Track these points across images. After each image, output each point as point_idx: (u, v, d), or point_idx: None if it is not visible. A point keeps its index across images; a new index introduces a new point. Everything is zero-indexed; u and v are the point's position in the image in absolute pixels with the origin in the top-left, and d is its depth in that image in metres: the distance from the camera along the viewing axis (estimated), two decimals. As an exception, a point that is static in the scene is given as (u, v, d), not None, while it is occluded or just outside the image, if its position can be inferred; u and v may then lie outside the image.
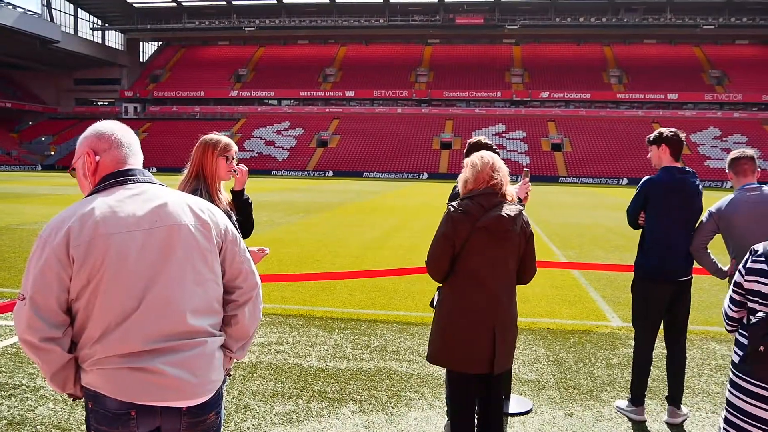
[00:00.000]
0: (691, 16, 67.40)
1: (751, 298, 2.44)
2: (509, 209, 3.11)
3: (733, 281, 2.56)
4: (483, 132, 65.08)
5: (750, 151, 4.31)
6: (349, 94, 72.35)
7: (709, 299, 7.99)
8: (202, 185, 3.16)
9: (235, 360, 2.16)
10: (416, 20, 72.23)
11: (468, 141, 4.45)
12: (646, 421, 4.27)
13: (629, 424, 4.24)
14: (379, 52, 77.62)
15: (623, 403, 4.45)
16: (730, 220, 4.07)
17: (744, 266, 2.49)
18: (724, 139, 61.57)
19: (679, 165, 4.27)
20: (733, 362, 2.52)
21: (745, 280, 2.46)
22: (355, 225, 16.47)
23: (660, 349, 5.10)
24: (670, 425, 4.24)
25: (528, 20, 69.92)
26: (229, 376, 2.61)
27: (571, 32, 73.31)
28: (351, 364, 5.28)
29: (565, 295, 8.26)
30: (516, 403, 4.48)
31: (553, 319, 6.98)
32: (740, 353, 2.45)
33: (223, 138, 3.29)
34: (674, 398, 4.30)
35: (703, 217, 4.23)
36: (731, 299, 2.55)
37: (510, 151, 62.17)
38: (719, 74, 70.14)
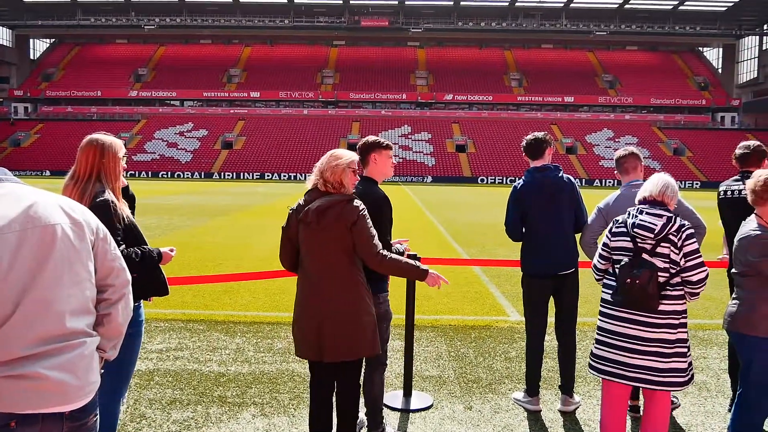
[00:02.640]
0: (585, 22, 70.67)
1: (616, 253, 3.45)
2: (323, 201, 3.21)
3: (602, 243, 3.57)
4: (389, 134, 65.68)
5: (634, 150, 4.55)
6: (255, 95, 71.23)
7: (599, 292, 8.37)
8: (106, 188, 3.02)
9: (106, 360, 2.09)
10: (321, 22, 72.04)
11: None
12: (540, 410, 4.43)
13: (525, 414, 4.39)
14: (284, 53, 76.87)
15: (520, 394, 4.61)
16: (616, 215, 4.28)
17: (610, 231, 3.51)
18: (617, 140, 64.91)
19: (540, 164, 4.45)
20: (602, 299, 3.51)
21: (612, 241, 3.47)
22: (260, 227, 16.24)
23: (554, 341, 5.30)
24: (563, 413, 4.42)
25: (432, 24, 71.18)
26: None
27: (473, 36, 75.24)
28: (253, 367, 5.19)
29: (467, 292, 8.47)
30: (417, 399, 4.54)
31: (455, 316, 7.14)
32: (609, 291, 3.46)
33: (116, 139, 3.18)
34: (567, 387, 4.49)
35: (592, 213, 4.44)
36: (600, 256, 3.55)
37: (416, 152, 63.14)
38: (611, 78, 73.92)
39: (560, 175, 4.42)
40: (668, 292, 3.31)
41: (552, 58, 76.74)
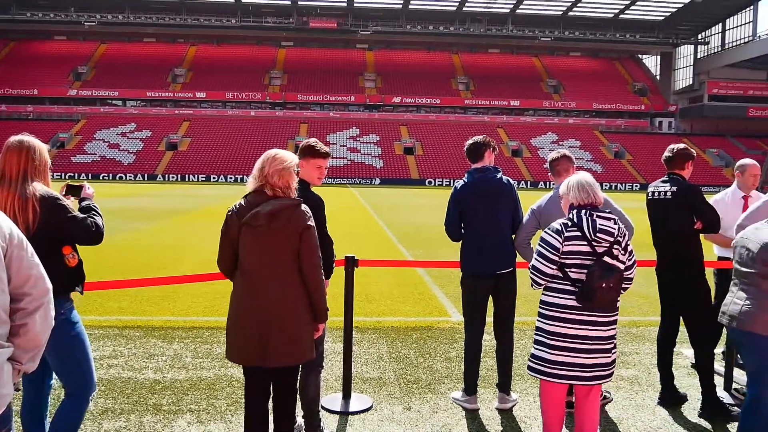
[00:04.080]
0: (530, 28, 72.05)
1: (569, 257, 3.40)
2: (274, 205, 3.15)
3: (548, 247, 3.43)
4: (337, 135, 65.62)
5: (566, 152, 4.66)
6: (200, 95, 69.98)
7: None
8: (49, 188, 3.04)
9: (23, 372, 2.01)
10: (269, 22, 71.41)
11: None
12: (479, 409, 4.49)
13: (464, 413, 4.43)
14: (231, 53, 75.79)
15: (458, 393, 4.66)
16: (549, 216, 4.38)
17: (557, 233, 3.43)
18: (561, 143, 66.28)
19: (480, 166, 4.53)
20: (554, 304, 3.46)
21: (564, 245, 3.39)
22: (205, 230, 15.98)
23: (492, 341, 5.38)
24: (500, 411, 4.49)
25: (380, 26, 71.40)
26: (18, 390, 2.43)
27: (421, 39, 75.80)
28: (190, 374, 5.10)
29: (410, 293, 8.52)
30: (356, 401, 4.54)
31: (397, 317, 7.16)
32: (566, 296, 3.41)
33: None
34: (504, 385, 4.56)
35: (526, 214, 4.53)
36: (549, 260, 3.43)
37: (364, 154, 63.18)
38: (556, 83, 75.52)
39: (499, 176, 4.50)
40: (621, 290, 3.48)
41: (498, 63, 77.92)
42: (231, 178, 58.15)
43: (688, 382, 5.10)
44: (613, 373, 3.50)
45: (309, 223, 3.22)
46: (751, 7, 67.07)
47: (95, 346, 5.76)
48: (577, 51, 79.47)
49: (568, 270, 3.41)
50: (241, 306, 3.25)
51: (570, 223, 3.44)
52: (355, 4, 69.31)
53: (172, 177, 57.92)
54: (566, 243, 3.39)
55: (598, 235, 3.36)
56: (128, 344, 5.89)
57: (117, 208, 22.70)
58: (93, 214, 3.28)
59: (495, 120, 70.89)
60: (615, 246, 3.40)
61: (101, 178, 55.43)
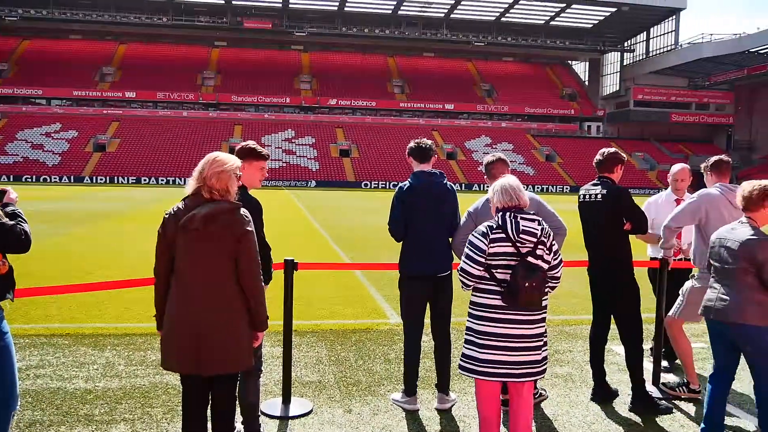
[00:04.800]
0: (464, 33, 73.22)
1: (495, 258, 3.49)
2: (211, 208, 3.09)
3: (474, 249, 3.51)
4: (272, 137, 64.90)
5: (501, 156, 4.75)
6: (130, 95, 67.95)
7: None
8: None
9: None
10: (202, 21, 70.03)
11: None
12: (419, 409, 4.52)
13: (404, 414, 4.46)
14: (162, 52, 73.91)
15: (398, 395, 4.68)
16: (485, 218, 4.44)
17: (483, 236, 3.52)
18: (494, 146, 67.56)
19: (427, 169, 4.59)
20: (481, 304, 3.54)
21: (489, 247, 3.48)
22: (134, 234, 15.55)
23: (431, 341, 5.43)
24: (440, 411, 4.53)
25: (316, 28, 71.12)
26: None
27: (357, 42, 75.88)
28: (124, 382, 4.95)
29: (348, 296, 8.51)
30: (296, 405, 4.51)
31: (336, 320, 7.15)
32: (493, 296, 3.50)
33: None
34: (443, 386, 4.62)
35: (463, 217, 4.59)
36: (476, 262, 3.51)
37: (300, 156, 62.73)
38: (489, 87, 76.95)
39: (445, 181, 4.57)
40: (546, 289, 3.57)
41: (433, 66, 78.80)
42: (162, 180, 56.74)
43: (618, 378, 5.28)
44: (544, 370, 3.57)
45: (247, 228, 3.15)
46: (673, 17, 70.16)
47: (20, 356, 5.51)
48: (510, 56, 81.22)
49: (494, 271, 3.50)
50: (175, 312, 3.16)
51: (495, 226, 3.53)
52: (290, 5, 68.81)
53: (100, 179, 56.05)
54: (491, 245, 3.49)
55: (521, 236, 3.46)
56: (56, 353, 5.66)
57: (42, 211, 21.82)
58: (20, 221, 3.15)
59: (430, 123, 71.67)
60: (539, 246, 3.50)
61: (24, 180, 53.11)
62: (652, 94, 73.44)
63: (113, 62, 72.06)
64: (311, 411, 4.45)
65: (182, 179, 55.70)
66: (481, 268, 3.52)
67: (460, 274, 3.60)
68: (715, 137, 76.64)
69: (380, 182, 59.94)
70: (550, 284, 3.57)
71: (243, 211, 3.19)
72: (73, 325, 6.64)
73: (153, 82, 68.50)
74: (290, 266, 4.55)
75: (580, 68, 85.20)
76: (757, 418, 3.96)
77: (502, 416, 3.81)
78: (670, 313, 4.97)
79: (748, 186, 3.98)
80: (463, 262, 3.58)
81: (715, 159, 4.94)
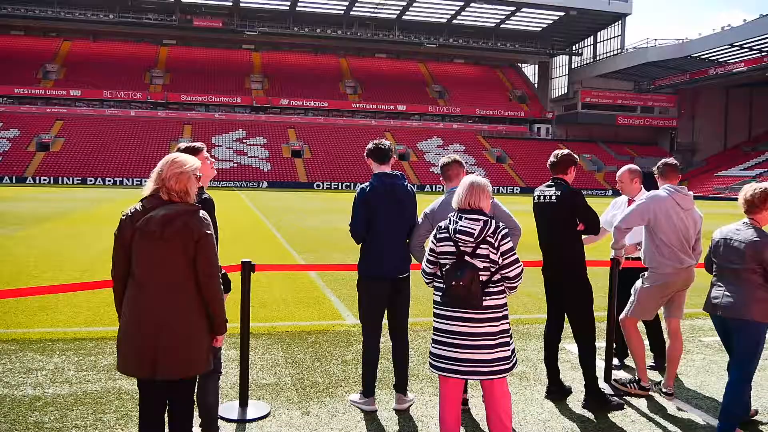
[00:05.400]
0: (416, 34, 73.64)
1: (441, 257, 3.67)
2: (169, 210, 3.05)
3: (428, 249, 3.75)
4: (223, 138, 64.11)
5: (457, 157, 4.79)
6: (75, 93, 66.04)
7: (430, 293, 8.72)
8: None
9: None
10: (150, 19, 68.58)
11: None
12: (376, 410, 4.53)
13: (362, 415, 4.46)
14: (109, 50, 72.08)
15: (356, 396, 4.68)
16: (441, 220, 4.49)
17: (435, 237, 3.73)
18: (445, 147, 68.19)
19: (388, 170, 4.60)
20: (434, 301, 3.75)
21: (437, 246, 3.69)
22: (81, 236, 15.14)
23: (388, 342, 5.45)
24: (398, 411, 4.55)
25: (267, 27, 70.47)
26: None
27: (309, 42, 75.52)
28: (74, 388, 4.81)
29: (303, 298, 8.47)
30: (253, 408, 4.46)
31: (292, 322, 7.11)
32: (438, 293, 3.70)
33: None
34: (401, 386, 4.63)
35: (419, 218, 4.62)
36: (428, 260, 3.76)
37: (251, 157, 62.09)
38: (440, 89, 77.60)
39: (405, 183, 4.59)
40: (490, 289, 3.59)
41: (385, 67, 79.05)
42: (110, 180, 55.39)
43: (572, 375, 5.39)
44: (502, 370, 3.58)
45: (206, 231, 3.11)
46: (619, 22, 72.05)
47: (-37, 363, 5.31)
48: (461, 58, 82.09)
49: (442, 269, 3.66)
50: (131, 315, 3.09)
51: (443, 226, 3.70)
52: (241, 4, 68.06)
53: (44, 179, 54.36)
54: (438, 244, 3.68)
55: (457, 235, 3.58)
56: (2, 359, 5.46)
57: (-18, 212, 21.03)
58: None
59: (382, 124, 71.84)
60: (482, 246, 3.56)
61: (-38, 180, 51.17)
62: (599, 97, 75.27)
63: (57, 59, 69.97)
64: (269, 414, 4.41)
65: (130, 180, 54.54)
66: (433, 267, 3.73)
67: (421, 272, 3.83)
68: (660, 140, 79.02)
69: (333, 183, 59.84)
70: (505, 284, 3.62)
71: (202, 213, 3.15)
72: (19, 330, 6.42)
73: (99, 81, 66.78)
74: (247, 268, 4.50)
75: (530, 71, 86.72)
76: (722, 398, 4.20)
77: (461, 418, 3.86)
78: (623, 313, 5.10)
79: (749, 189, 4.19)
80: (423, 260, 3.80)
81: (664, 162, 5.09)
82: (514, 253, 3.65)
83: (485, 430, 4.14)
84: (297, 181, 59.65)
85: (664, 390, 4.98)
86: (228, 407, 4.45)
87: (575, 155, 4.98)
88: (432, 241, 3.74)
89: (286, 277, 9.68)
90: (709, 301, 4.26)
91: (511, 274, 3.61)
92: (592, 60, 77.43)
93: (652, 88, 75.97)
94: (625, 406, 4.76)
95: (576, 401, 4.83)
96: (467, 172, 4.73)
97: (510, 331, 3.70)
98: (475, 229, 3.56)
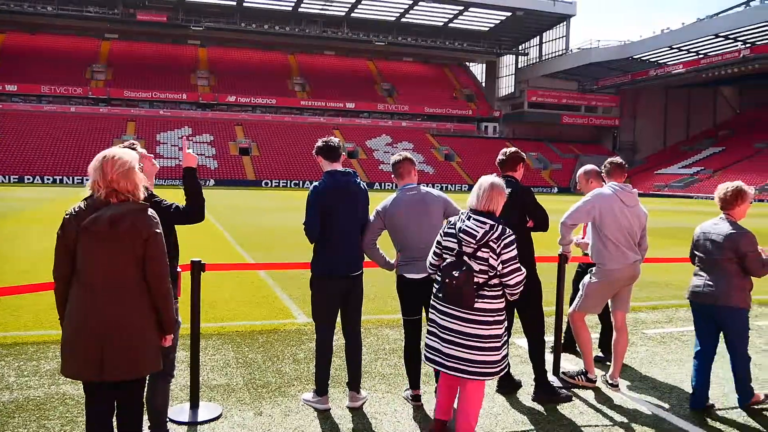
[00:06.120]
0: (365, 32, 73.66)
1: (445, 252, 3.75)
2: (117, 209, 2.97)
3: (435, 241, 3.88)
4: (168, 135, 62.84)
5: (408, 155, 4.80)
6: (11, 88, 63.56)
7: (383, 290, 8.76)
8: None
9: None
10: (91, 12, 66.59)
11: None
12: (330, 408, 4.51)
13: (316, 414, 4.43)
14: (47, 43, 69.72)
15: (309, 395, 4.65)
16: (393, 217, 4.52)
17: (443, 230, 3.84)
18: (394, 145, 68.47)
19: (340, 168, 4.59)
20: (434, 294, 3.83)
21: (443, 240, 3.78)
22: (21, 236, 14.61)
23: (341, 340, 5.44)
24: (351, 409, 4.54)
25: (213, 23, 69.35)
26: None
27: (257, 38, 74.66)
28: (15, 394, 4.64)
29: (253, 297, 8.37)
30: (204, 410, 4.39)
31: (242, 322, 7.01)
32: (436, 286, 3.78)
33: None
34: (354, 384, 4.62)
35: (371, 215, 4.62)
36: (434, 253, 3.85)
37: (197, 154, 60.90)
38: (389, 87, 77.83)
39: (358, 181, 4.57)
40: (485, 293, 3.64)
41: (334, 65, 78.81)
42: (48, 179, 53.61)
43: (521, 369, 5.48)
44: (484, 372, 3.65)
45: (155, 229, 3.04)
46: (564, 23, 73.60)
47: None
48: (410, 56, 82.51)
49: (443, 264, 3.76)
50: (76, 316, 3.01)
51: (452, 222, 3.82)
52: (186, -1, 66.83)
53: (-21, 177, 52.25)
54: (444, 239, 3.78)
55: (460, 234, 3.66)
56: (-64, 366, 5.23)
57: None
58: None
59: (331, 121, 71.65)
60: (483, 248, 3.60)
61: None
62: (544, 97, 76.80)
63: (-8, 53, 67.35)
64: (220, 415, 4.35)
65: (71, 178, 52.91)
66: (438, 259, 3.82)
67: (427, 262, 3.98)
68: (603, 138, 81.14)
69: (282, 181, 59.37)
70: (507, 291, 3.68)
71: (151, 211, 3.08)
72: (-46, 335, 6.16)
73: (37, 75, 64.53)
74: (197, 268, 4.42)
75: (478, 70, 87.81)
76: (737, 388, 4.67)
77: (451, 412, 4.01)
78: (571, 308, 5.22)
79: (723, 188, 4.63)
80: (431, 252, 3.94)
81: (610, 161, 5.23)
82: (516, 262, 3.67)
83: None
84: (245, 179, 58.98)
85: (610, 381, 5.11)
86: (178, 410, 4.37)
87: (522, 153, 5.06)
88: (440, 234, 3.85)
89: (236, 276, 9.56)
90: (691, 290, 4.70)
91: (512, 282, 3.66)
92: (538, 60, 78.91)
93: (596, 88, 77.96)
94: (574, 398, 4.87)
95: (526, 394, 4.92)
96: (417, 170, 4.76)
97: (503, 338, 3.75)
98: (478, 232, 3.60)
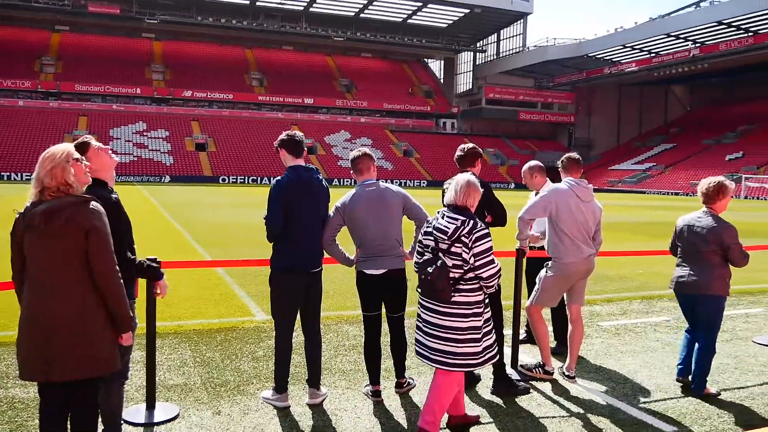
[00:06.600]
0: (324, 27, 73.18)
1: (425, 250, 3.88)
2: (53, 203, 2.90)
3: (417, 241, 4.05)
4: (122, 130, 61.49)
5: (367, 151, 4.79)
6: (-44, 81, 61.43)
7: (342, 286, 8.75)
8: None
9: None
10: (40, 3, 64.55)
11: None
12: (290, 406, 4.48)
13: (275, 412, 4.40)
14: (-6, 35, 67.43)
15: (268, 393, 4.61)
16: (352, 213, 4.51)
17: (423, 230, 3.96)
18: (353, 141, 68.32)
19: (303, 163, 4.56)
20: (417, 289, 3.91)
21: (423, 238, 3.92)
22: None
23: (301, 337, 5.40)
24: (311, 406, 4.52)
25: (168, 16, 68.03)
26: None
27: (213, 32, 73.45)
28: (-39, 397, 4.48)
29: (211, 294, 8.26)
30: (161, 410, 4.31)
31: (199, 320, 6.91)
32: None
33: None
34: (314, 381, 4.60)
35: (331, 211, 4.60)
36: (417, 252, 3.98)
37: (152, 150, 59.85)
38: (348, 83, 77.57)
39: (320, 177, 4.55)
40: (462, 286, 3.75)
41: (292, 60, 78.16)
42: (-4, 175, 51.91)
43: (480, 363, 5.53)
44: (466, 364, 3.76)
45: (95, 222, 2.94)
46: (522, 20, 74.42)
47: None
48: (369, 52, 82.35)
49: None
50: (25, 316, 2.96)
51: (430, 220, 3.96)
52: (140, -9, 65.36)
53: None
54: (424, 237, 3.93)
55: (435, 232, 3.81)
56: None
57: None
58: None
59: (289, 117, 71.09)
60: (456, 244, 3.72)
61: None
62: (502, 93, 77.57)
63: (-65, 44, 64.86)
64: (177, 415, 4.27)
65: (19, 174, 51.34)
66: (419, 257, 3.95)
67: (413, 262, 4.10)
68: (559, 135, 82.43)
69: (239, 177, 58.68)
70: (482, 284, 3.78)
71: (93, 204, 2.98)
72: None
73: (-17, 68, 62.31)
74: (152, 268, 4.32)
75: (436, 66, 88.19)
76: (693, 364, 4.93)
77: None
78: (528, 301, 5.29)
79: (705, 183, 4.91)
80: (415, 251, 4.08)
81: (567, 156, 5.31)
82: (489, 255, 3.76)
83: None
84: (201, 175, 58.10)
85: (566, 373, 5.20)
86: (133, 411, 4.28)
87: (480, 149, 5.11)
88: (421, 233, 4.00)
89: (192, 274, 9.41)
90: (675, 281, 5.01)
91: (485, 275, 3.75)
92: (495, 57, 79.65)
93: (552, 85, 79.12)
94: (532, 390, 4.94)
95: (485, 387, 4.97)
96: (376, 166, 4.76)
97: (483, 329, 3.82)
98: (450, 228, 3.73)
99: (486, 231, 3.79)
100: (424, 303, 3.89)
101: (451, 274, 3.72)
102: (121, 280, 3.06)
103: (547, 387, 5.05)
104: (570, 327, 5.24)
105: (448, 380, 3.86)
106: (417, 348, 3.95)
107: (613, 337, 6.62)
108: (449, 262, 3.73)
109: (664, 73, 66.12)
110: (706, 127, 73.84)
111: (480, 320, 3.81)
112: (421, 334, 3.91)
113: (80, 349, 2.93)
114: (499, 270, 3.81)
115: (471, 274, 3.75)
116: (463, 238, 3.71)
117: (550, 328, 6.03)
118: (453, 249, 3.72)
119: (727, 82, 75.50)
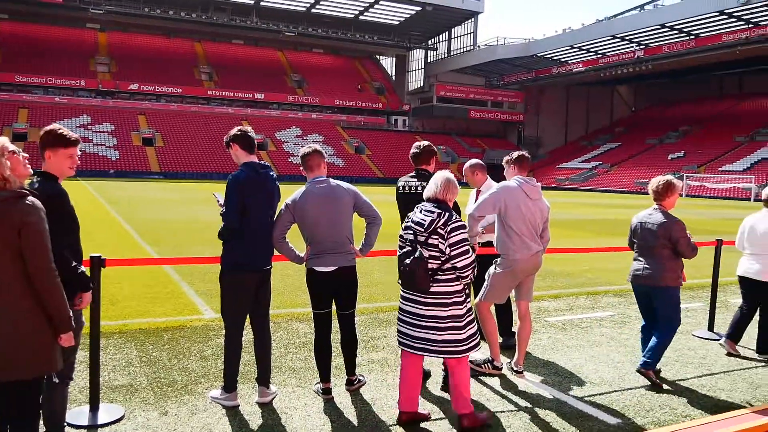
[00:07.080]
0: (275, 22, 72.45)
1: (406, 244, 4.06)
2: None
3: (399, 236, 4.17)
4: (65, 123, 59.56)
5: (317, 147, 4.76)
6: None
7: (293, 284, 8.69)
8: None
9: None
10: (-23, -10, 62.13)
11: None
12: (239, 405, 4.43)
13: (224, 411, 4.34)
14: (-73, 23, 64.56)
15: (217, 392, 4.54)
16: (303, 210, 4.48)
17: (403, 226, 4.16)
18: (304, 137, 67.89)
19: (257, 160, 4.51)
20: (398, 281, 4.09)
21: (404, 233, 4.11)
22: None
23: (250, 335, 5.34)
24: (261, 405, 4.47)
25: (114, 6, 66.25)
26: None
27: (161, 24, 71.91)
28: None
29: (158, 293, 8.10)
30: (105, 412, 4.20)
31: (146, 319, 6.76)
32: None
33: None
34: (263, 379, 4.56)
35: (281, 208, 4.56)
36: (399, 246, 4.14)
37: (97, 144, 58.28)
38: (299, 78, 77.03)
39: (274, 176, 4.50)
40: (439, 277, 3.96)
41: (243, 54, 77.18)
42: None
43: (430, 359, 5.55)
44: (451, 351, 3.99)
45: (29, 218, 2.81)
46: (472, 19, 75.19)
47: None
48: (320, 48, 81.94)
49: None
50: None
51: (409, 216, 4.14)
52: (85, -20, 63.46)
53: None
54: (404, 232, 4.13)
55: (413, 225, 4.04)
56: None
57: None
58: None
59: (239, 112, 70.20)
60: (432, 236, 3.94)
61: None
62: (453, 91, 78.25)
63: None
64: (122, 417, 4.17)
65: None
66: (400, 250, 4.11)
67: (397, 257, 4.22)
68: (508, 133, 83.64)
69: (188, 172, 57.65)
70: (457, 274, 3.96)
71: (29, 199, 2.85)
72: None
73: None
74: (97, 263, 4.22)
75: (388, 63, 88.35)
76: (645, 353, 5.17)
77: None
78: (477, 298, 5.35)
79: (655, 182, 5.25)
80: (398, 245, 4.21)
81: (516, 154, 5.38)
82: (465, 246, 3.96)
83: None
84: (149, 170, 56.86)
85: (514, 368, 5.28)
86: (76, 413, 4.16)
87: (434, 147, 5.14)
88: (402, 228, 4.18)
89: (138, 271, 9.20)
90: (632, 274, 5.33)
91: (459, 265, 3.95)
92: (446, 55, 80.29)
93: (502, 84, 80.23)
94: (481, 385, 4.99)
95: (435, 383, 5.00)
96: (327, 162, 4.74)
97: (465, 317, 4.05)
98: (426, 221, 3.95)
99: (461, 223, 4.01)
100: (404, 294, 4.10)
101: (429, 265, 3.92)
102: (58, 279, 2.94)
103: (496, 382, 5.12)
104: (518, 323, 5.33)
105: (461, 366, 4.11)
106: (399, 338, 4.14)
107: (560, 332, 6.76)
108: (426, 254, 3.93)
109: (610, 73, 67.76)
110: (649, 127, 76.03)
111: (461, 309, 4.03)
112: (403, 325, 4.10)
113: (11, 350, 2.82)
114: (474, 261, 4.01)
115: (448, 265, 3.95)
116: (439, 230, 3.92)
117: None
118: (430, 241, 3.94)
119: (670, 84, 77.94)
